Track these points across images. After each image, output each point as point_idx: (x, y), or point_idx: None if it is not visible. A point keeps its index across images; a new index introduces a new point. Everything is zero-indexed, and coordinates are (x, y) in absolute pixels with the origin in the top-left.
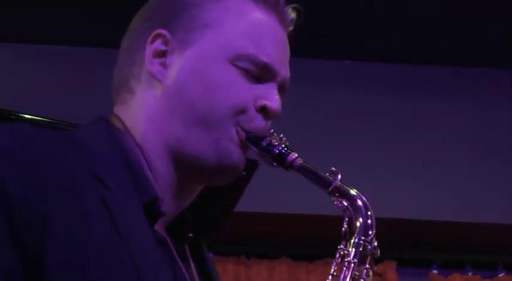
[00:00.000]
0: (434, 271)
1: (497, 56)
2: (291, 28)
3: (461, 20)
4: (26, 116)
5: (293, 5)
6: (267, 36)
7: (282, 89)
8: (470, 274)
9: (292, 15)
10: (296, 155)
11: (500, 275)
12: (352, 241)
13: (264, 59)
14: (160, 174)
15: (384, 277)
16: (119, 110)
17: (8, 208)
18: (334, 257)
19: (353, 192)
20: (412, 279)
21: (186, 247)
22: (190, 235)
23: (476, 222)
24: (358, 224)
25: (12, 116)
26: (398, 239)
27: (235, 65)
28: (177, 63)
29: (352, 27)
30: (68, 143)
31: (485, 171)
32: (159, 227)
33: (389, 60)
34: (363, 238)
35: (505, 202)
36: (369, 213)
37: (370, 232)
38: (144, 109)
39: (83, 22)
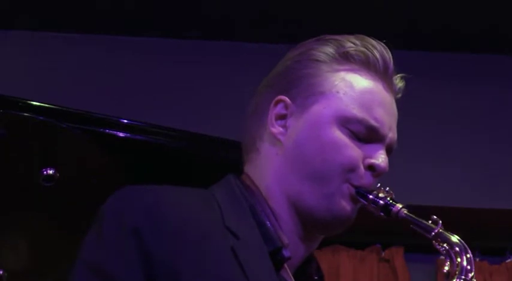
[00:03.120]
0: (442, 257)
1: None
2: (399, 95)
3: None
4: (34, 103)
5: (400, 74)
6: (376, 102)
7: (389, 150)
8: (478, 259)
9: (400, 84)
10: (400, 206)
11: (508, 261)
12: (454, 280)
13: (373, 122)
14: (286, 223)
15: (391, 263)
16: (248, 168)
17: (146, 261)
18: None
19: (454, 239)
20: (419, 265)
21: None
22: (316, 278)
23: (484, 208)
24: (458, 264)
25: (20, 103)
26: (405, 225)
27: (347, 128)
28: (296, 125)
29: None
30: (201, 198)
31: (496, 157)
32: (286, 272)
33: None
34: (463, 277)
35: None
36: (468, 256)
37: (470, 274)
38: (268, 165)
39: None
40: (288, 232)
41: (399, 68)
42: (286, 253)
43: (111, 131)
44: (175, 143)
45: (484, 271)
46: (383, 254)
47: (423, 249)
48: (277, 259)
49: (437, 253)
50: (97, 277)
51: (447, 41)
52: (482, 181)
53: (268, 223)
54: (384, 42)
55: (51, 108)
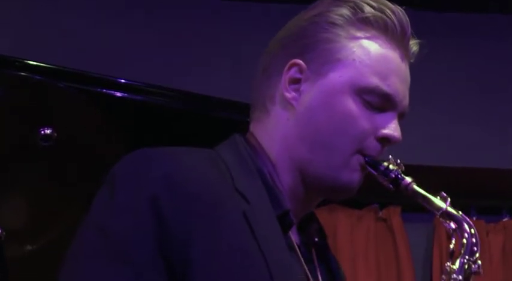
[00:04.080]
0: (439, 217)
1: None
2: (412, 60)
3: None
4: (31, 62)
5: (417, 40)
6: (391, 70)
7: (401, 117)
8: (474, 218)
9: (414, 48)
10: (410, 180)
11: (504, 220)
12: (458, 259)
13: (388, 92)
14: (289, 188)
15: (388, 222)
16: (254, 128)
17: (160, 228)
18: None
19: (460, 216)
20: (416, 225)
21: (313, 251)
22: (316, 239)
23: (481, 167)
24: (464, 243)
25: (16, 63)
26: None
27: (361, 97)
28: (310, 92)
29: None
30: (211, 161)
31: (495, 116)
32: (291, 234)
33: None
34: (468, 257)
35: (510, 147)
36: (476, 239)
37: (475, 253)
38: (277, 130)
39: None
40: (290, 196)
41: (414, 28)
42: (292, 216)
43: (108, 91)
44: (174, 103)
45: (481, 230)
46: (380, 213)
47: (420, 209)
48: (285, 222)
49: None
50: (105, 238)
51: (459, 1)
52: (479, 140)
53: (275, 185)
54: (400, 5)
55: (48, 67)
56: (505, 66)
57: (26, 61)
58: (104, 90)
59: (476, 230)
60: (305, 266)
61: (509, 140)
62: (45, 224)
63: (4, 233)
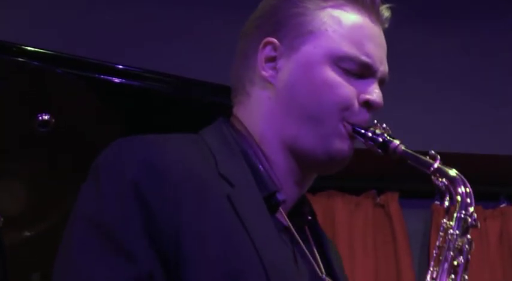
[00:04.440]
0: (437, 202)
1: None
2: (386, 25)
3: None
4: (28, 48)
5: (387, 5)
6: (365, 36)
7: (381, 83)
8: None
9: (386, 14)
10: (398, 142)
11: (502, 206)
12: (454, 215)
13: (364, 58)
14: (280, 167)
15: (386, 208)
16: (237, 111)
17: (146, 214)
18: None
19: (452, 173)
20: (414, 210)
21: (307, 229)
22: (310, 218)
23: (478, 153)
24: (458, 199)
25: (14, 48)
26: (401, 170)
27: (338, 66)
28: (286, 67)
29: None
30: (194, 146)
31: (492, 103)
32: (281, 215)
33: None
34: (463, 212)
35: (509, 133)
36: (468, 190)
37: (470, 207)
38: (259, 110)
39: None
40: (281, 175)
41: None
42: (280, 196)
43: (106, 77)
44: (171, 88)
45: (479, 216)
46: (378, 199)
47: (418, 194)
48: (272, 203)
49: (433, 198)
50: (95, 229)
51: None
52: (477, 126)
53: (261, 167)
54: None
55: (46, 53)
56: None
57: (23, 47)
58: (102, 76)
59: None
60: (301, 245)
61: (509, 126)
62: (43, 211)
63: (2, 219)
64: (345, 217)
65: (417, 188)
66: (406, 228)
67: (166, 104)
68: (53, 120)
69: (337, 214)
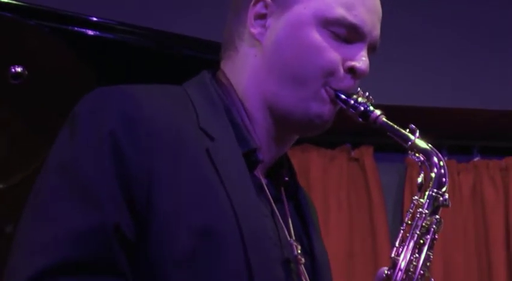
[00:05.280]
0: (411, 156)
1: None
2: None
3: None
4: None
5: None
6: (358, 0)
7: (372, 49)
8: (446, 158)
9: None
10: (379, 112)
11: (475, 160)
12: (426, 192)
13: (354, 22)
14: (259, 125)
15: (361, 162)
16: (224, 66)
17: (121, 167)
18: None
19: (428, 148)
20: (389, 164)
21: (282, 189)
22: (286, 178)
23: (451, 107)
24: (432, 176)
25: None
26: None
27: (327, 29)
28: (276, 26)
29: None
30: (176, 98)
31: (466, 57)
32: (258, 172)
33: None
34: (436, 190)
35: (482, 87)
36: (442, 171)
37: (443, 185)
38: (245, 66)
39: None
40: (261, 134)
41: None
42: (259, 155)
43: (80, 29)
44: (146, 41)
45: (452, 170)
46: (353, 153)
47: (392, 148)
48: (251, 160)
49: (407, 152)
50: (67, 176)
51: None
52: (450, 80)
53: (242, 123)
54: None
55: (19, 5)
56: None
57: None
58: (76, 29)
59: (448, 169)
60: (272, 204)
61: (482, 80)
62: (17, 163)
63: None
64: (319, 171)
65: (392, 142)
66: (381, 182)
67: (145, 58)
68: (26, 72)
69: (312, 167)
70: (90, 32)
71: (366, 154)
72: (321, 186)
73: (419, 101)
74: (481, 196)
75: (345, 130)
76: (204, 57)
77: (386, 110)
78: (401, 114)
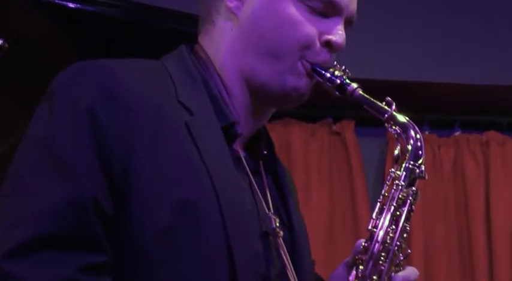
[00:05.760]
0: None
1: None
2: None
3: None
4: None
5: None
6: None
7: (348, 24)
8: (427, 132)
9: None
10: (356, 86)
11: (456, 134)
12: (403, 165)
13: None
14: (237, 98)
15: (342, 136)
16: (202, 39)
17: (99, 141)
18: None
19: (405, 120)
20: (370, 138)
21: (261, 163)
22: (265, 152)
23: (433, 82)
24: (409, 149)
25: None
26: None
27: (303, 3)
28: (252, 0)
29: None
30: (154, 72)
31: (447, 30)
32: (236, 146)
33: None
34: (412, 162)
35: (463, 62)
36: (419, 143)
37: (420, 157)
38: (222, 40)
39: None
40: (238, 107)
41: None
42: (238, 128)
43: (60, 1)
44: (126, 14)
45: (433, 144)
46: (334, 127)
47: (374, 122)
48: (230, 133)
49: (384, 125)
50: (45, 150)
51: None
52: (432, 54)
53: (220, 97)
54: None
55: None
56: None
57: None
58: (57, 1)
59: (429, 143)
60: (251, 177)
61: (463, 55)
62: None
63: None
64: (300, 145)
65: (373, 116)
66: (362, 156)
67: (125, 31)
68: (7, 45)
69: (293, 141)
70: (71, 5)
71: (347, 128)
72: (302, 160)
73: (400, 75)
74: (461, 169)
75: (326, 104)
76: (183, 30)
77: (367, 85)
78: (382, 89)
